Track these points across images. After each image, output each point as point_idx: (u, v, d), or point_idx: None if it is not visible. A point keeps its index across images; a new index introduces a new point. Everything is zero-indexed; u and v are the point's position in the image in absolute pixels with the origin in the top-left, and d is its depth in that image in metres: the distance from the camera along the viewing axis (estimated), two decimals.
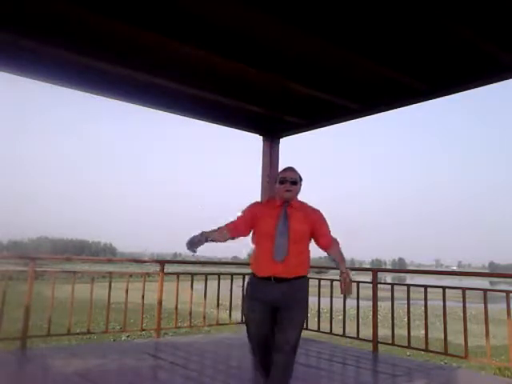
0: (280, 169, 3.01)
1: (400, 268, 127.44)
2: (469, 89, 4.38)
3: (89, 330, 5.13)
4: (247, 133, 6.22)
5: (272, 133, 6.18)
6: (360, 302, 5.28)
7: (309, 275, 2.89)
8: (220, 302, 6.00)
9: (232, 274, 6.18)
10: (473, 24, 3.29)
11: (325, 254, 3.14)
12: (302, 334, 2.78)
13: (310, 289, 3.25)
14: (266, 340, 2.73)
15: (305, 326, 5.24)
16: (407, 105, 4.97)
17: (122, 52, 4.14)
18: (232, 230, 2.76)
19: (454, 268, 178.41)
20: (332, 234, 3.00)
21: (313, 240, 2.91)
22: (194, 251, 2.67)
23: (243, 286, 6.11)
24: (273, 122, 5.99)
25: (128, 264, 32.51)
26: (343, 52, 3.85)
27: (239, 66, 4.20)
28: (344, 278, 2.81)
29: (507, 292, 4.24)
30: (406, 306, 4.98)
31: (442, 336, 4.65)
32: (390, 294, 5.12)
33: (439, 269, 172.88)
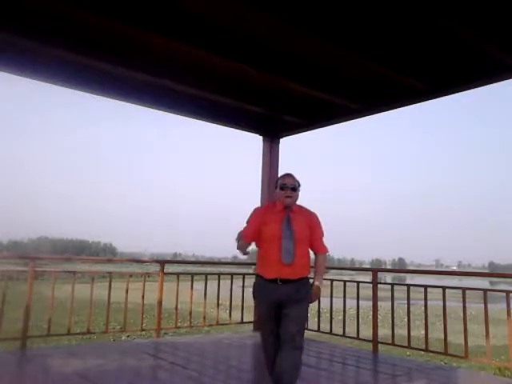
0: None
1: (400, 268, 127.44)
2: (469, 89, 4.38)
3: (89, 330, 5.13)
4: (247, 133, 6.22)
5: (272, 133, 6.18)
6: (360, 301, 5.28)
7: (309, 275, 2.98)
8: (220, 301, 6.00)
9: (232, 274, 6.18)
10: (473, 24, 3.29)
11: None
12: None
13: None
14: (274, 337, 2.91)
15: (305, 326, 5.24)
16: (407, 105, 4.97)
17: (122, 52, 4.14)
18: (248, 238, 2.93)
19: (454, 268, 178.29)
20: (324, 238, 3.17)
21: None
22: (248, 252, 2.95)
23: (243, 286, 6.14)
24: (272, 122, 5.99)
25: (128, 264, 32.51)
26: (343, 52, 3.84)
27: (239, 66, 4.20)
28: (314, 292, 2.98)
29: (507, 292, 4.24)
30: (405, 305, 4.98)
31: (442, 336, 4.65)
32: (390, 294, 5.11)
33: (439, 269, 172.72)
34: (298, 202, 3.02)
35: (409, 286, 5.06)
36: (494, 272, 56.32)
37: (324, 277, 3.24)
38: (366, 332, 5.63)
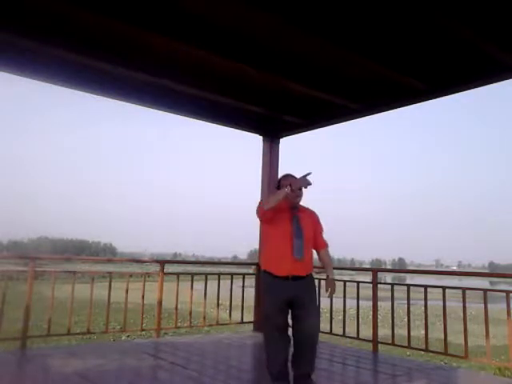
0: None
1: (400, 268, 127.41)
2: (469, 89, 4.37)
3: (89, 330, 5.13)
4: (247, 133, 6.22)
5: (272, 133, 6.18)
6: (360, 301, 5.28)
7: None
8: (220, 301, 6.00)
9: (232, 274, 6.17)
10: (473, 24, 3.29)
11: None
12: None
13: None
14: (279, 333, 3.05)
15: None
16: (407, 105, 4.96)
17: (122, 52, 4.13)
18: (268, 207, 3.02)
19: (454, 268, 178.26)
20: (325, 238, 3.32)
21: None
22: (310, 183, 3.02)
23: (243, 286, 6.14)
24: (272, 122, 5.99)
25: (128, 264, 32.51)
26: (343, 52, 3.84)
27: (239, 66, 4.20)
28: (330, 285, 3.17)
29: (507, 292, 4.23)
30: (406, 305, 4.98)
31: (442, 336, 4.65)
32: (390, 294, 5.11)
33: (439, 269, 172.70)
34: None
35: (409, 285, 5.06)
36: (494, 272, 56.32)
37: (324, 277, 3.31)
38: (366, 332, 5.63)
